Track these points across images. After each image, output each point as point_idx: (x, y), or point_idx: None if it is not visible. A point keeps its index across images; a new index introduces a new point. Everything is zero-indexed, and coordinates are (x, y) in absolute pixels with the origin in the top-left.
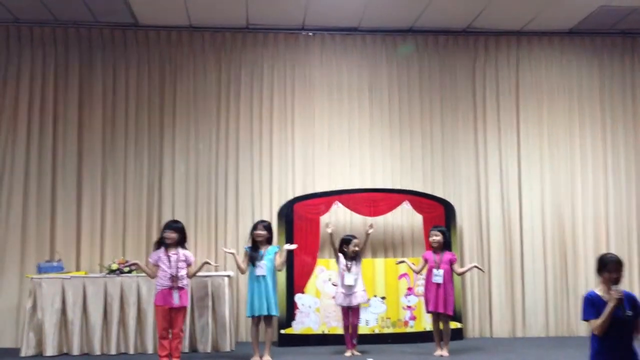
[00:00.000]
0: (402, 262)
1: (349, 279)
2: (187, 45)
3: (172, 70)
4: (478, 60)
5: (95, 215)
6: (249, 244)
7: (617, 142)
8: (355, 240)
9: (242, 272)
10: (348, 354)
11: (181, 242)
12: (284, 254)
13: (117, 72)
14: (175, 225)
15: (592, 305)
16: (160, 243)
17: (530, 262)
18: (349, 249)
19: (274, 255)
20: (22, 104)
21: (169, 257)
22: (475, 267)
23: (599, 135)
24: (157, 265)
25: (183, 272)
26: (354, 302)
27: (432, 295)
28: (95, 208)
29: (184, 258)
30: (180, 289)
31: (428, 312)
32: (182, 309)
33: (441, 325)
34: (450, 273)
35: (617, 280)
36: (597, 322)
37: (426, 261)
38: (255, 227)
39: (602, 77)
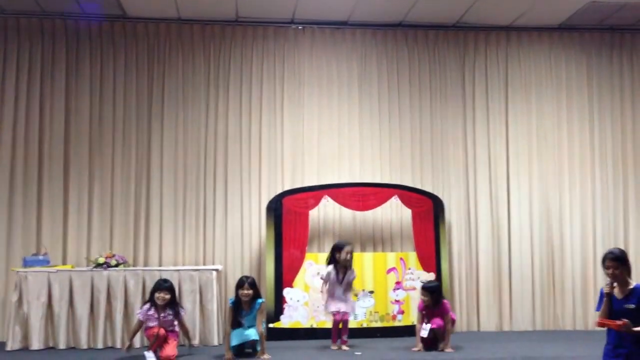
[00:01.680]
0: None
1: (339, 291)
2: (176, 38)
3: (160, 64)
4: (467, 55)
5: (82, 209)
6: (234, 297)
7: (604, 137)
8: (347, 247)
9: (230, 329)
10: (334, 347)
11: (172, 301)
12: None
13: (104, 65)
14: (166, 285)
15: (601, 299)
16: (151, 301)
17: (517, 257)
18: (340, 257)
19: (257, 310)
20: (8, 96)
21: (159, 318)
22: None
23: (586, 130)
24: (143, 321)
25: (171, 330)
26: (344, 309)
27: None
28: (82, 201)
29: (171, 317)
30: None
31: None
32: (173, 336)
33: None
34: (442, 321)
35: (613, 275)
36: (600, 314)
37: (422, 311)
38: (240, 286)
39: (590, 72)
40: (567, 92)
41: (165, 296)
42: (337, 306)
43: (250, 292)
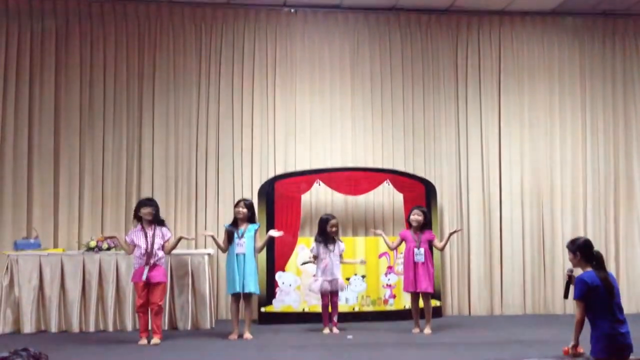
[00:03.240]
0: (380, 234)
1: (331, 263)
2: (167, 19)
3: (150, 45)
4: (460, 40)
5: (73, 192)
6: (230, 222)
7: (596, 121)
8: (333, 221)
9: (224, 251)
10: (326, 331)
11: (157, 218)
12: (266, 239)
13: (94, 46)
14: (151, 203)
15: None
16: (138, 221)
17: (508, 241)
18: (327, 229)
19: (254, 233)
20: None
21: (145, 233)
22: (453, 233)
23: (578, 116)
24: (133, 244)
25: (158, 248)
26: (335, 288)
27: (411, 274)
28: (73, 184)
29: (160, 234)
30: (155, 265)
31: (406, 291)
32: (159, 284)
33: (421, 304)
34: (429, 252)
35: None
36: None
37: (403, 239)
38: (236, 205)
39: (583, 57)
40: (559, 76)
41: (151, 211)
42: (325, 287)
43: (245, 211)
